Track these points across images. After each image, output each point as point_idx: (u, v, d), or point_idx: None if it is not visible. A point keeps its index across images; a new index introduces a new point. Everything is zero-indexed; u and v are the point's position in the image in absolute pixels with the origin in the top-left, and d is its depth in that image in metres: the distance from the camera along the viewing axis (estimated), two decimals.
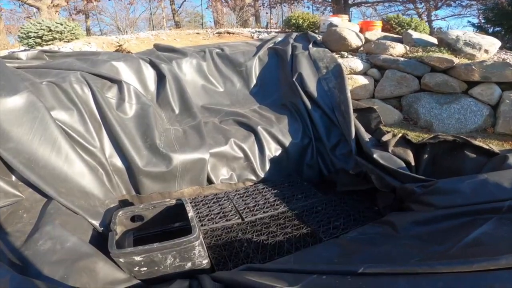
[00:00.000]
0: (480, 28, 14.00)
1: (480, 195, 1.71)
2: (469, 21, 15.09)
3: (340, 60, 3.72)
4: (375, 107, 2.91)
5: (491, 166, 2.09)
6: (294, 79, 3.24)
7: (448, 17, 18.02)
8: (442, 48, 4.19)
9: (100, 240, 1.83)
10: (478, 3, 14.82)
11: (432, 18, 18.05)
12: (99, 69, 2.88)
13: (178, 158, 2.48)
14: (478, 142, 2.33)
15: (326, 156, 2.92)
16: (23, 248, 1.54)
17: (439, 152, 2.46)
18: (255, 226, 2.23)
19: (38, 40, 4.73)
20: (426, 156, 2.46)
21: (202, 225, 2.26)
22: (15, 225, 1.71)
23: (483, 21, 14.37)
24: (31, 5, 11.18)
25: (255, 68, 3.63)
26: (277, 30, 6.36)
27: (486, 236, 1.41)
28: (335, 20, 5.54)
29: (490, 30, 13.81)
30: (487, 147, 2.26)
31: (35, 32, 4.71)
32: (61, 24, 4.88)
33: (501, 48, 4.80)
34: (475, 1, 14.88)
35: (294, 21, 5.71)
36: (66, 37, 4.86)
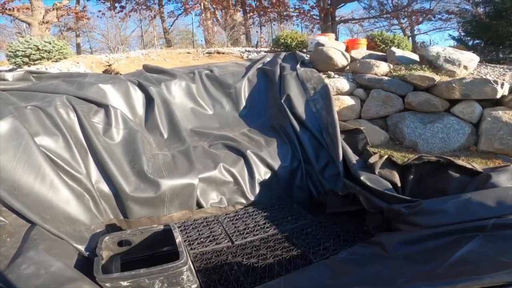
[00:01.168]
0: (460, 41, 14.59)
1: (464, 214, 1.75)
2: (449, 35, 15.77)
3: (327, 81, 3.80)
4: (361, 128, 2.98)
5: (475, 185, 2.14)
6: (282, 101, 3.29)
7: (430, 31, 18.83)
8: (423, 66, 4.32)
9: (86, 265, 1.80)
10: (457, 16, 15.46)
11: (415, 32, 18.84)
12: (85, 92, 2.86)
13: (167, 183, 2.46)
14: (461, 162, 2.40)
15: (316, 178, 2.94)
16: (7, 271, 1.51)
17: (424, 172, 2.52)
18: (245, 249, 2.21)
19: (26, 59, 4.71)
20: (412, 176, 2.52)
21: (191, 249, 2.23)
22: None
23: (463, 34, 15.00)
24: (22, 21, 11.21)
25: (244, 90, 3.67)
26: (266, 49, 6.50)
27: (472, 254, 1.45)
28: (322, 39, 5.71)
29: (470, 43, 14.38)
30: (470, 167, 2.33)
31: (22, 51, 4.69)
32: (50, 43, 4.87)
33: (481, 61, 4.99)
34: (454, 15, 15.50)
35: (283, 41, 5.86)
36: (54, 56, 4.85)
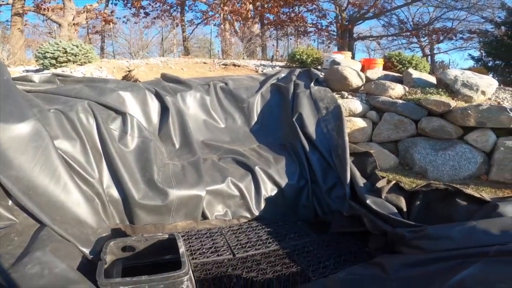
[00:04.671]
0: (480, 62, 14.33)
1: (468, 241, 1.78)
2: (469, 54, 15.42)
3: (340, 101, 3.82)
4: (371, 151, 2.99)
5: (482, 214, 2.16)
6: (294, 119, 3.33)
7: (450, 50, 18.46)
8: (440, 90, 4.23)
9: (89, 268, 1.85)
10: (478, 36, 15.23)
11: (435, 51, 18.61)
12: (106, 98, 2.98)
13: (174, 193, 2.53)
14: (470, 191, 2.41)
15: (322, 198, 2.95)
16: (11, 270, 1.57)
17: (432, 199, 2.52)
18: (246, 263, 2.23)
19: (53, 62, 4.93)
20: (419, 202, 2.53)
21: (193, 259, 2.26)
22: (6, 247, 1.74)
23: (484, 54, 14.74)
24: (54, 21, 11.75)
25: (257, 105, 3.73)
26: (281, 64, 6.58)
27: (471, 278, 1.47)
28: (338, 57, 5.73)
29: (491, 63, 14.08)
30: (479, 196, 2.35)
31: (51, 53, 4.91)
32: (77, 47, 5.10)
33: (501, 84, 4.80)
34: (476, 34, 15.27)
35: (298, 57, 5.93)
36: (80, 60, 5.06)
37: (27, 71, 5.06)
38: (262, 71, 5.51)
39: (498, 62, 13.57)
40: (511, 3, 13.44)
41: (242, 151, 3.16)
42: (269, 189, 2.92)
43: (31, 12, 11.84)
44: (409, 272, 1.76)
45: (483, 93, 4.14)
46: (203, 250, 2.37)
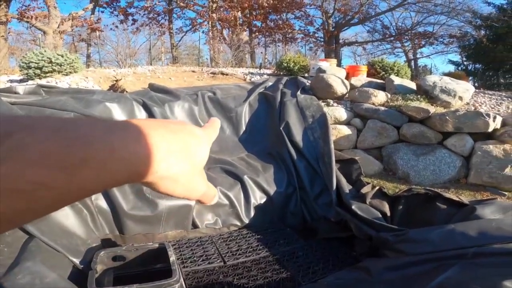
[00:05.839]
0: (460, 66, 14.86)
1: (447, 243, 1.83)
2: (449, 60, 16.05)
3: (326, 109, 3.91)
4: (356, 158, 3.09)
5: (460, 216, 2.24)
6: (281, 128, 3.40)
7: (432, 54, 19.10)
8: (419, 96, 4.41)
9: (80, 278, 1.86)
10: (458, 40, 15.78)
11: (418, 56, 19.19)
12: (92, 110, 2.98)
13: (164, 204, 2.55)
14: (449, 194, 2.51)
15: (309, 205, 3.01)
16: (3, 280, 1.58)
17: (413, 203, 2.62)
18: (237, 270, 2.26)
19: (38, 71, 4.87)
20: (401, 207, 2.62)
21: (184, 267, 2.28)
22: None
23: (464, 58, 15.29)
24: (38, 28, 11.56)
25: (245, 115, 3.77)
26: (269, 72, 6.69)
27: (449, 281, 1.53)
28: (324, 64, 5.89)
29: (470, 67, 14.59)
30: (457, 199, 2.44)
31: (36, 63, 4.86)
32: (62, 56, 5.06)
33: (480, 88, 5.01)
34: (456, 38, 15.82)
35: (285, 64, 6.05)
36: (65, 69, 5.02)
37: (11, 80, 5.00)
38: (250, 79, 5.59)
39: (478, 66, 14.07)
40: (481, 10, 14.03)
41: (231, 160, 3.19)
42: (258, 197, 2.97)
43: (14, 20, 11.63)
44: (392, 276, 1.82)
45: (460, 98, 4.33)
46: (194, 258, 2.39)
